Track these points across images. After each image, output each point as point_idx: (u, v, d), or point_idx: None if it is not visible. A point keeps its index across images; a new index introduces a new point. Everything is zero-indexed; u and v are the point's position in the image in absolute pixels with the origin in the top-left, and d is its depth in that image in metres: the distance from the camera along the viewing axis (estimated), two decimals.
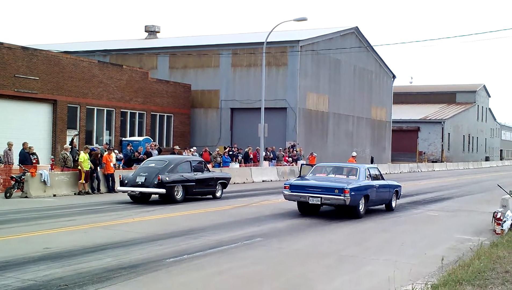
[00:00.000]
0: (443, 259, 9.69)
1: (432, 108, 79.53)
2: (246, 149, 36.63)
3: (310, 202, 16.07)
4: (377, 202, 17.72)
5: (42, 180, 20.57)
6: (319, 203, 15.96)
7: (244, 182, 30.77)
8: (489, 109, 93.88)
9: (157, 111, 40.87)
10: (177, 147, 31.76)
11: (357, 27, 50.94)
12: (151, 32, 56.74)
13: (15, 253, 10.15)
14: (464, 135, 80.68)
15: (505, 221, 13.57)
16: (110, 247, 10.94)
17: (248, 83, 43.59)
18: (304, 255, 10.95)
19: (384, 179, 18.41)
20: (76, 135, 32.73)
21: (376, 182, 17.30)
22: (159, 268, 9.35)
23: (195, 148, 34.23)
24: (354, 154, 31.38)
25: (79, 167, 21.73)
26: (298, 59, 42.48)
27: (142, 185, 19.00)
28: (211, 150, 35.78)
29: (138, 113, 39.41)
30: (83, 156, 21.75)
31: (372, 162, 48.72)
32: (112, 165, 23.13)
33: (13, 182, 20.37)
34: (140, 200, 19.40)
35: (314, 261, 10.44)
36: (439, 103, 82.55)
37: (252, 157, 36.09)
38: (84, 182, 21.66)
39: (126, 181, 19.41)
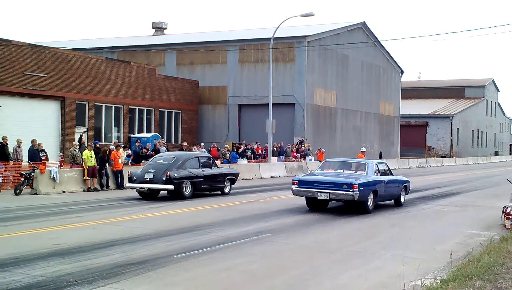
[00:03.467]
0: (452, 254, 9.65)
1: (441, 103, 79.20)
2: (250, 146, 36.67)
3: (318, 198, 16.05)
4: (385, 198, 17.67)
5: (51, 177, 20.68)
6: (328, 198, 15.94)
7: (252, 178, 30.79)
8: (498, 103, 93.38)
9: (165, 107, 40.94)
10: (185, 144, 31.83)
11: (364, 22, 50.75)
12: (159, 28, 56.79)
13: (25, 249, 10.20)
14: (473, 130, 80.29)
15: None
16: (119, 243, 10.98)
17: (256, 79, 43.56)
18: (312, 251, 10.95)
19: (392, 175, 18.36)
20: (85, 132, 32.87)
21: (385, 177, 17.26)
22: (167, 264, 9.37)
23: (203, 144, 34.27)
24: (363, 149, 31.25)
25: (82, 164, 21.85)
26: (305, 55, 42.40)
27: (150, 182, 19.06)
28: (219, 146, 35.82)
29: (146, 109, 39.49)
30: (87, 153, 21.85)
31: (380, 157, 48.61)
32: (120, 161, 23.22)
33: (22, 179, 20.50)
34: (149, 196, 19.47)
35: (322, 256, 10.44)
36: (447, 98, 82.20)
37: (261, 152, 36.08)
38: (88, 178, 21.73)
39: (134, 178, 19.48)
